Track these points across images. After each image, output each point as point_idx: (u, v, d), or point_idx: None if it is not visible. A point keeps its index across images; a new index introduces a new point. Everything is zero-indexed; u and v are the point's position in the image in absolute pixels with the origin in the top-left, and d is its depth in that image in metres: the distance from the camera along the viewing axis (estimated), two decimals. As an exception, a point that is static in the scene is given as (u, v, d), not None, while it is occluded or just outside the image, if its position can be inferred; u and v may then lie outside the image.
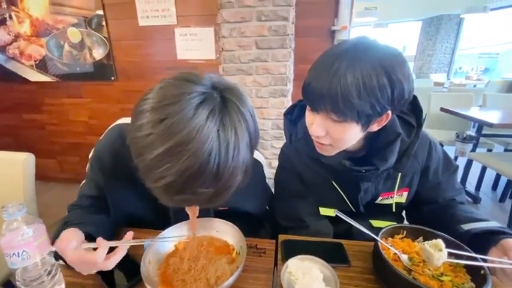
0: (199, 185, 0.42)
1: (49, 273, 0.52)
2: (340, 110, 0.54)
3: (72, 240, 0.53)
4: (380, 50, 0.55)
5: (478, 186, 2.54)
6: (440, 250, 0.51)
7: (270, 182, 0.93)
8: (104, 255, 0.50)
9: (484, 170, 2.47)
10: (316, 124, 0.61)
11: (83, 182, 0.76)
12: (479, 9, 4.74)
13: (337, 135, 0.61)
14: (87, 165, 0.74)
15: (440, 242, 0.52)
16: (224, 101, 0.44)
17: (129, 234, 0.54)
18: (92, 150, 0.72)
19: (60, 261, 0.60)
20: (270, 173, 0.91)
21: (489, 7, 4.75)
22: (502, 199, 2.43)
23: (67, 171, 2.79)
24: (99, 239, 0.53)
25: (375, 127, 0.62)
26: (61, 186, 2.74)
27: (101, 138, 0.72)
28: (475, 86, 5.56)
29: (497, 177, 2.58)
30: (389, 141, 0.67)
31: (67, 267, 0.57)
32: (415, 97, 0.70)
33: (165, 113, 0.40)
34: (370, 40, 0.57)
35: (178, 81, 0.44)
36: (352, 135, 0.61)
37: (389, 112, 0.59)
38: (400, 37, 8.82)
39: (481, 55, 8.17)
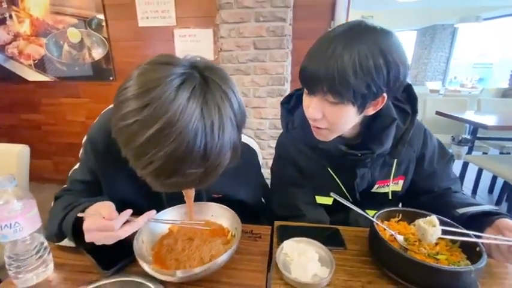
0: (188, 166, 0.42)
1: (37, 252, 0.51)
2: (337, 90, 0.55)
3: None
4: (377, 32, 0.56)
5: (474, 190, 2.55)
6: (434, 226, 0.51)
7: (267, 182, 0.92)
8: (121, 223, 0.51)
9: (479, 173, 2.48)
10: (312, 107, 0.61)
11: (74, 167, 0.75)
12: (472, 19, 4.88)
13: (333, 118, 0.61)
14: (81, 150, 0.73)
15: (434, 218, 0.52)
16: (205, 79, 0.44)
17: (152, 212, 0.55)
18: (86, 135, 0.72)
19: (63, 243, 0.60)
20: (266, 173, 0.91)
21: (482, 17, 4.89)
22: (498, 202, 2.43)
23: (62, 172, 2.75)
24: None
25: (370, 111, 0.63)
26: (56, 187, 2.69)
27: (94, 122, 0.71)
28: (469, 93, 5.64)
29: (493, 180, 2.60)
30: (385, 126, 0.68)
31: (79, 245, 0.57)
32: (410, 85, 0.72)
33: (147, 98, 0.40)
34: (367, 23, 0.58)
35: (156, 65, 0.44)
36: (348, 118, 0.61)
37: (385, 95, 0.59)
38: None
39: (476, 65, 8.30)
